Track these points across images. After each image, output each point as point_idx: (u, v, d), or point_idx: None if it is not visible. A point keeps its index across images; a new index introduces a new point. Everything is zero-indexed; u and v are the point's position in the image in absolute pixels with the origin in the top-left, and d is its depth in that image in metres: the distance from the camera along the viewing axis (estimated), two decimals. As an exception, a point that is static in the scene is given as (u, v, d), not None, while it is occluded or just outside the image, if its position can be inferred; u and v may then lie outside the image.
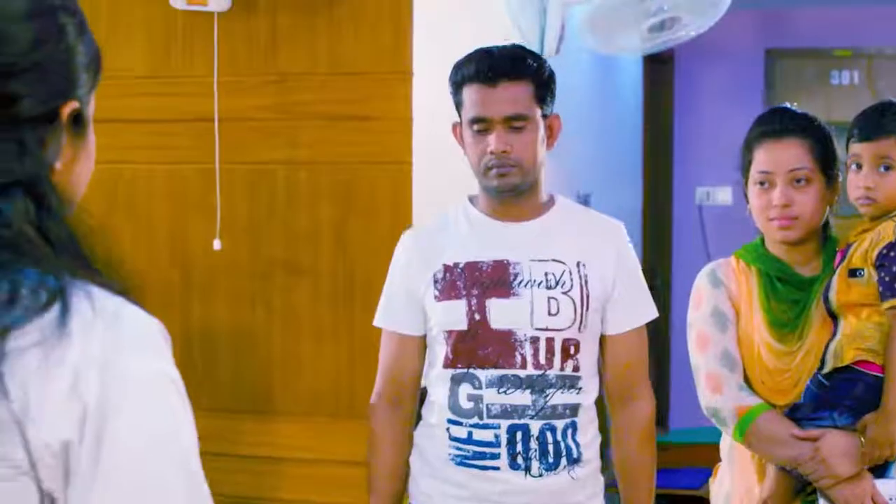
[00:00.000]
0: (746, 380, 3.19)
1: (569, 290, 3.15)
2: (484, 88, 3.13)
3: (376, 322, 3.34)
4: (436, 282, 3.20)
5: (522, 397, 3.12)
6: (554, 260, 3.17)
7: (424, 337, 3.28)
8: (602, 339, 3.26)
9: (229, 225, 4.42)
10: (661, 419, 7.70)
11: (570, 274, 3.17)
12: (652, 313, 3.31)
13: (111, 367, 1.32)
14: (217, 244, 4.38)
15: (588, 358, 3.20)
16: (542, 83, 3.17)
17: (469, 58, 3.20)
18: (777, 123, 3.23)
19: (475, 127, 3.15)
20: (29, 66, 1.40)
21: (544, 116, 3.18)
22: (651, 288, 3.44)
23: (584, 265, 3.18)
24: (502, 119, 3.12)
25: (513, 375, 3.12)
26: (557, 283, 3.15)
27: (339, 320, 4.34)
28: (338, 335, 4.33)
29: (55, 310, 1.32)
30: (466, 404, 3.16)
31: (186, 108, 4.47)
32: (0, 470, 1.29)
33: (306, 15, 4.32)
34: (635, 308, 3.28)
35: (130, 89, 4.49)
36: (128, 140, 4.49)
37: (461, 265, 3.19)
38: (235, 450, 4.44)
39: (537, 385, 3.12)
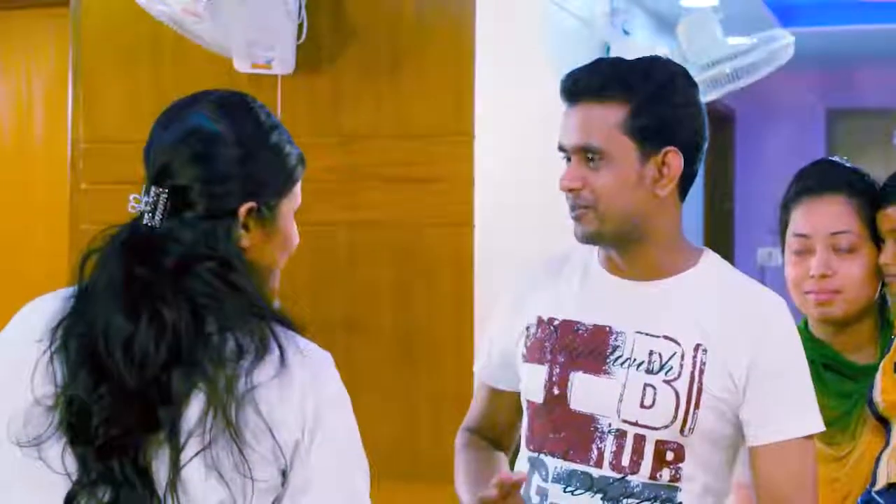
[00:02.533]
0: None
1: (674, 380, 2.38)
2: (567, 108, 2.45)
3: (475, 367, 2.74)
4: (527, 337, 2.55)
5: (591, 502, 2.41)
6: (666, 337, 2.41)
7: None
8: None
9: (290, 285, 4.42)
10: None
11: (682, 358, 2.39)
12: (809, 426, 2.41)
13: (319, 389, 1.96)
14: (276, 304, 4.39)
15: (699, 470, 2.41)
16: (644, 107, 2.40)
17: (572, 70, 2.51)
18: (817, 178, 2.72)
19: (561, 155, 2.49)
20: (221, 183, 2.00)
21: (647, 152, 2.40)
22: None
23: (705, 351, 2.38)
24: (573, 148, 2.42)
25: (582, 473, 2.42)
26: (661, 368, 2.39)
27: (400, 382, 4.33)
28: (399, 397, 4.33)
29: (275, 351, 1.92)
30: (535, 498, 2.49)
31: (250, 169, 4.50)
32: (261, 463, 1.88)
33: (369, 78, 4.36)
34: (780, 415, 2.40)
35: (195, 151, 4.53)
36: (192, 201, 4.52)
37: (557, 322, 2.50)
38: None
39: (612, 491, 2.39)
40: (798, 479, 2.40)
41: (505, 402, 2.65)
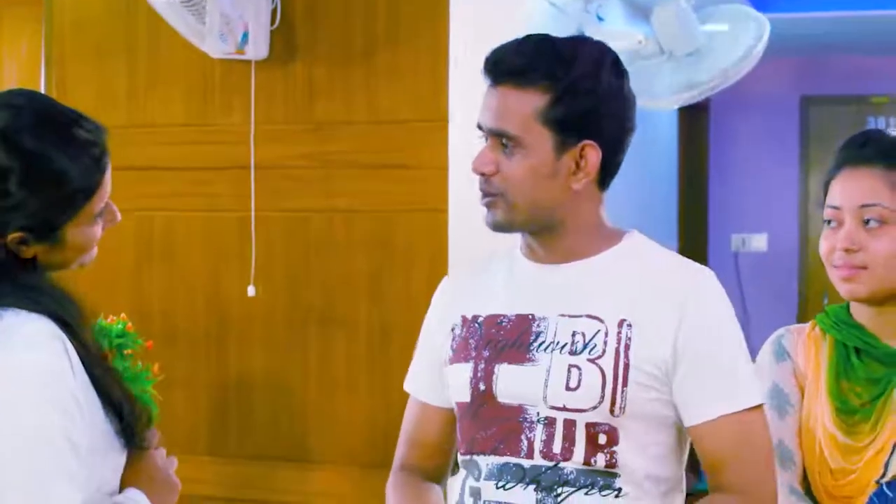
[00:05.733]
0: (808, 480, 2.53)
1: (598, 358, 2.27)
2: (488, 87, 2.35)
3: (405, 385, 2.67)
4: (453, 339, 2.46)
5: (524, 495, 2.30)
6: (588, 316, 2.31)
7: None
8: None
9: (265, 272, 4.43)
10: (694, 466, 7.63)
11: (607, 335, 2.28)
12: (745, 399, 2.30)
13: None
14: (251, 290, 4.40)
15: (638, 455, 2.30)
16: (564, 98, 2.29)
17: (499, 45, 2.38)
18: (856, 148, 2.52)
19: (479, 134, 2.38)
20: None
21: (564, 144, 2.30)
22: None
23: (630, 325, 2.28)
24: (489, 130, 2.33)
25: (514, 465, 2.31)
26: (585, 348, 2.29)
27: (374, 369, 4.33)
28: (373, 384, 4.33)
29: None
30: (468, 500, 2.38)
31: (223, 156, 4.49)
32: None
33: (343, 64, 4.35)
34: (713, 391, 2.29)
35: (168, 137, 4.52)
36: (165, 187, 4.52)
37: (481, 318, 2.41)
38: (269, 497, 4.44)
39: (545, 480, 2.28)
40: (739, 449, 2.29)
41: (436, 422, 2.54)
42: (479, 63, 2.35)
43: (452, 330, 2.46)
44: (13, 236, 2.06)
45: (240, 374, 4.50)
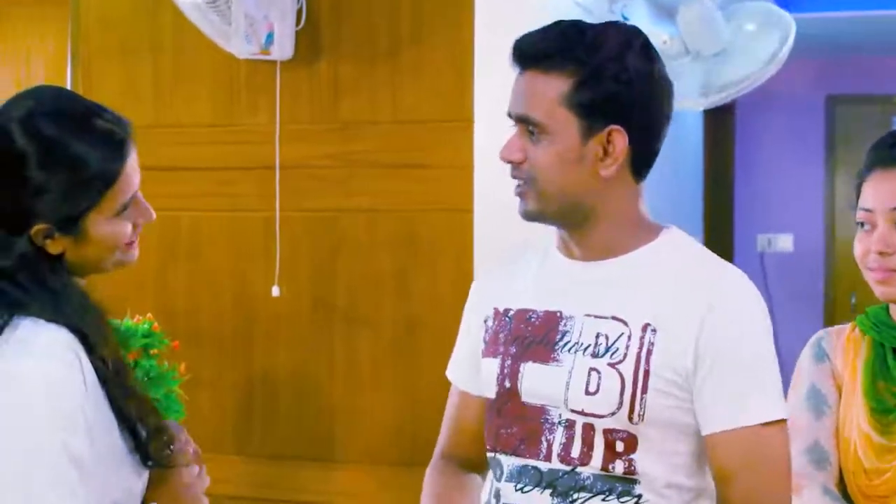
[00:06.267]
0: (843, 482, 2.50)
1: (619, 362, 2.20)
2: (517, 76, 2.29)
3: (447, 372, 2.59)
4: (485, 331, 2.41)
5: (541, 500, 2.25)
6: (614, 318, 2.23)
7: None
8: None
9: (290, 272, 4.43)
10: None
11: (629, 339, 2.20)
12: (766, 413, 2.17)
13: None
14: (276, 290, 4.40)
15: (658, 463, 2.22)
16: (589, 82, 2.21)
17: (526, 32, 2.33)
18: (886, 150, 2.48)
19: (510, 123, 2.31)
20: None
21: (590, 130, 2.22)
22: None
23: (654, 329, 2.19)
24: (516, 117, 2.27)
25: (533, 468, 2.26)
26: (607, 351, 2.21)
27: (399, 368, 4.33)
28: (398, 384, 4.33)
29: None
30: (492, 500, 2.35)
31: (248, 155, 4.50)
32: None
33: (368, 64, 4.35)
34: (733, 400, 2.17)
35: (194, 138, 4.53)
36: (190, 187, 4.53)
37: (512, 312, 2.35)
38: (294, 496, 4.44)
39: (562, 485, 2.23)
40: (753, 464, 2.18)
41: (476, 409, 2.46)
42: (504, 62, 2.32)
43: (485, 322, 2.40)
44: (38, 228, 2.05)
45: (265, 374, 4.51)
